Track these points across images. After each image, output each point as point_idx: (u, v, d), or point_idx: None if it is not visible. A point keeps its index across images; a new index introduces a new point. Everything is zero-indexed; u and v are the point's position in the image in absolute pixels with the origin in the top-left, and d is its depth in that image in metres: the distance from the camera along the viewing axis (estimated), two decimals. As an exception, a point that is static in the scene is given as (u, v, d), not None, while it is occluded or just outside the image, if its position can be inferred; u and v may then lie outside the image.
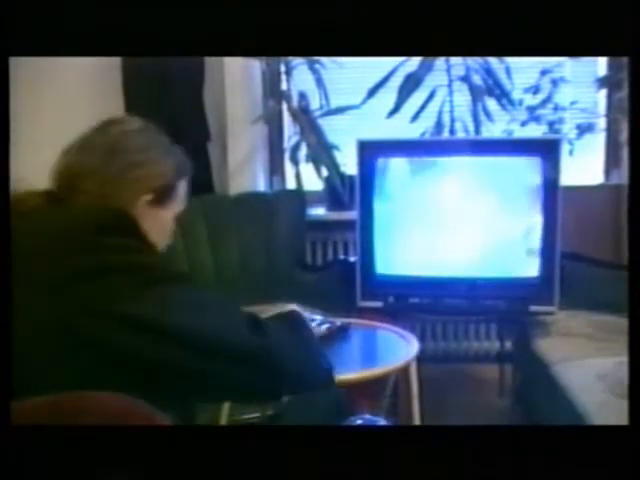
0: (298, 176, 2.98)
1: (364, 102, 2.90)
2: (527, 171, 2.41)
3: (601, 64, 3.11)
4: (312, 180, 3.00)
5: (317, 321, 1.70)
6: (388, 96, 2.84)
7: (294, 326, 1.19)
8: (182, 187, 1.23)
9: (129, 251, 1.03)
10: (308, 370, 1.15)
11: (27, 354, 0.94)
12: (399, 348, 1.99)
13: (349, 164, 2.85)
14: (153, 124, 1.22)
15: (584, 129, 2.94)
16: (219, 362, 1.01)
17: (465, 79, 2.88)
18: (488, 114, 2.87)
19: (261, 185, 3.15)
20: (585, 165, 3.14)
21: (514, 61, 2.87)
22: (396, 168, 2.53)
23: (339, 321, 1.89)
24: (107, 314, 0.94)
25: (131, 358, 0.96)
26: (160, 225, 1.20)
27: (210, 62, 2.97)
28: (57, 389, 0.89)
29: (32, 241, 1.01)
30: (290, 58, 2.94)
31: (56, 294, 0.95)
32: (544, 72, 2.90)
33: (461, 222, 2.46)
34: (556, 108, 2.92)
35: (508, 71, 2.87)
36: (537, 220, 2.39)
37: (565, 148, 2.72)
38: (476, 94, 2.86)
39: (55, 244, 1.00)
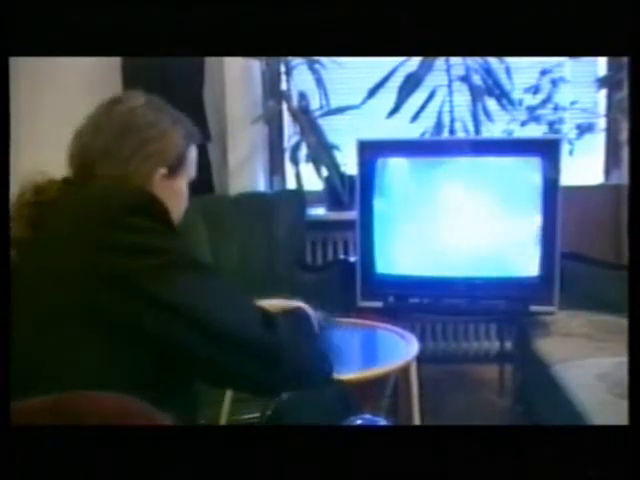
0: (298, 176, 2.98)
1: (364, 102, 2.90)
2: (527, 171, 2.41)
3: (601, 64, 3.11)
4: (312, 180, 3.00)
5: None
6: (388, 96, 2.84)
7: (301, 325, 1.20)
8: (192, 153, 1.25)
9: (152, 233, 1.03)
10: (310, 370, 1.16)
11: (39, 337, 0.96)
12: (399, 348, 1.99)
13: (349, 164, 2.85)
14: (156, 96, 1.24)
15: (584, 129, 2.94)
16: (227, 351, 1.01)
17: (465, 79, 2.88)
18: (488, 114, 2.87)
19: (261, 185, 3.16)
20: (585, 165, 3.14)
21: (514, 61, 2.87)
22: (396, 168, 2.53)
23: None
24: (125, 290, 0.96)
25: (142, 335, 0.97)
26: (176, 195, 1.22)
27: (210, 62, 2.97)
28: (66, 375, 0.89)
29: (56, 227, 1.03)
30: (290, 58, 2.94)
31: (80, 266, 0.97)
32: (544, 72, 2.90)
33: (461, 222, 2.46)
34: (556, 108, 2.92)
35: (508, 71, 2.87)
36: (537, 220, 2.39)
37: (565, 148, 2.72)
38: (476, 94, 2.86)
39: (80, 224, 1.01)
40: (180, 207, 1.24)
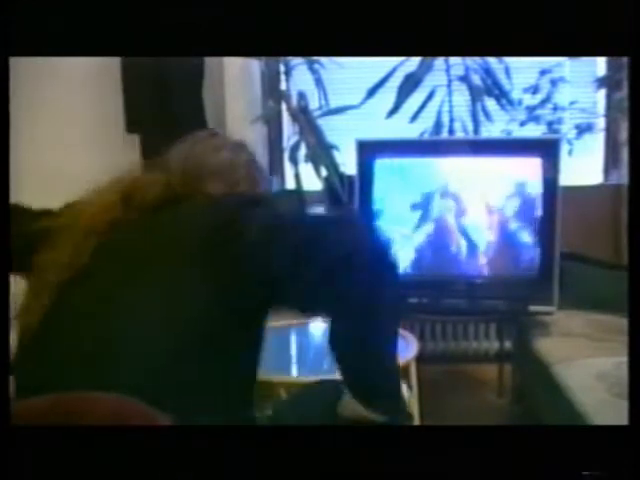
0: (297, 176, 2.98)
1: (363, 102, 2.90)
2: (526, 171, 2.41)
3: (600, 64, 3.11)
4: (311, 180, 3.00)
5: None
6: (387, 96, 2.84)
7: None
8: None
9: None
10: None
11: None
12: (399, 348, 1.99)
13: (348, 164, 2.85)
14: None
15: (583, 129, 2.94)
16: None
17: (464, 79, 2.88)
18: (487, 114, 2.87)
19: (260, 185, 3.15)
20: (584, 165, 3.14)
21: (513, 61, 2.87)
22: (395, 168, 2.53)
23: None
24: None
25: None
26: None
27: (210, 62, 2.97)
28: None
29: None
30: (289, 58, 2.93)
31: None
32: (543, 72, 2.90)
33: (460, 222, 2.46)
34: (555, 108, 2.92)
35: (507, 71, 2.87)
36: (536, 220, 2.39)
37: (564, 148, 2.72)
38: (475, 94, 2.85)
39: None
40: None
